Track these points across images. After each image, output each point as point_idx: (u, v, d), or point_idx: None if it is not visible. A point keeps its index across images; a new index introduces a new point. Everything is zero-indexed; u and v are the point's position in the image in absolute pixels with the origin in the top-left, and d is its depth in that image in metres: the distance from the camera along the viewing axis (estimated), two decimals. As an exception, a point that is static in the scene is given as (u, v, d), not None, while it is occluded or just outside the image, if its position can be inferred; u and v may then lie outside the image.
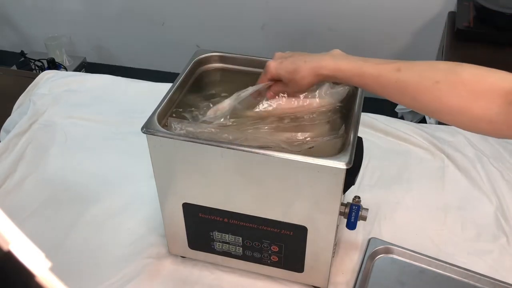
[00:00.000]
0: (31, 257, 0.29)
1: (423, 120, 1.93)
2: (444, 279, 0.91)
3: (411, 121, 1.82)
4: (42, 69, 2.25)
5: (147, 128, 0.74)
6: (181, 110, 0.82)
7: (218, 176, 0.77)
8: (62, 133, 1.24)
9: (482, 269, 0.91)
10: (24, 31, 2.69)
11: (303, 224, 0.78)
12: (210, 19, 2.35)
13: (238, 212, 0.80)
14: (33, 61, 2.28)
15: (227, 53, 0.92)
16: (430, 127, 1.29)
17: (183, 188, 0.81)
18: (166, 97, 0.81)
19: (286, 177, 0.73)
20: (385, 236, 0.98)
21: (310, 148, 0.76)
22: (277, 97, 0.79)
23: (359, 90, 0.82)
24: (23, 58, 2.30)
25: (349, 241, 0.97)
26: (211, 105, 0.80)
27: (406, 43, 2.17)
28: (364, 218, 0.84)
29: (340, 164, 0.68)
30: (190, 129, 0.76)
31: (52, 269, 0.30)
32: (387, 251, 0.94)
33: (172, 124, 0.77)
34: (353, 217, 0.83)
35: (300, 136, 0.78)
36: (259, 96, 0.79)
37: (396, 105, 1.90)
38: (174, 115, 0.81)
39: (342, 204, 0.79)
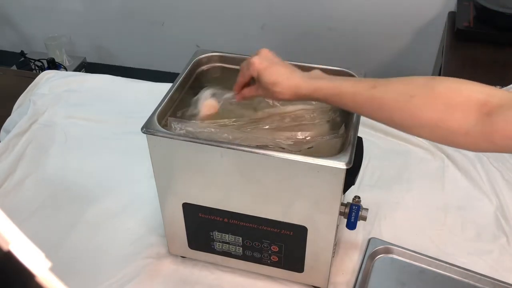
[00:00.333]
0: (31, 257, 0.29)
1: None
2: (444, 279, 0.91)
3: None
4: (42, 69, 2.25)
5: (147, 128, 0.74)
6: (179, 110, 0.83)
7: (218, 176, 0.77)
8: (62, 133, 1.24)
9: (482, 269, 0.91)
10: (24, 31, 2.69)
11: (303, 224, 0.78)
12: (210, 19, 2.35)
13: (238, 212, 0.80)
14: (33, 61, 2.28)
15: (227, 53, 0.92)
16: (430, 127, 1.29)
17: (183, 188, 0.81)
18: (166, 97, 0.81)
19: (286, 177, 0.73)
20: (385, 236, 0.98)
21: (309, 148, 0.76)
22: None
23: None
24: (23, 58, 2.30)
25: (349, 241, 0.97)
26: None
27: (406, 43, 2.17)
28: (364, 218, 0.84)
29: (340, 164, 0.68)
30: (190, 129, 0.76)
31: (52, 269, 0.30)
32: (387, 251, 0.94)
33: (172, 124, 0.77)
34: (353, 217, 0.83)
35: (300, 135, 0.78)
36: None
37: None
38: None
39: (342, 204, 0.79)
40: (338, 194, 0.73)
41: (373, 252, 0.94)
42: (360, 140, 0.80)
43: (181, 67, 0.89)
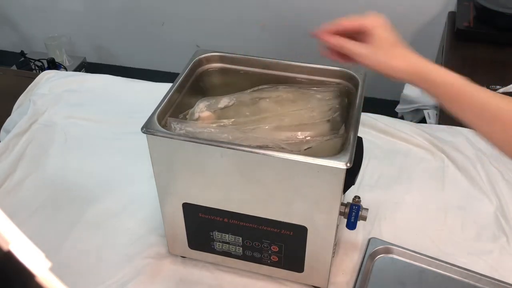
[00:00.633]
0: (31, 257, 0.29)
1: (423, 120, 1.92)
2: (444, 279, 0.91)
3: (411, 121, 1.82)
4: (42, 69, 2.25)
5: (147, 128, 0.74)
6: (178, 112, 0.83)
7: (218, 176, 0.77)
8: (62, 133, 1.24)
9: (482, 269, 0.91)
10: (24, 31, 2.69)
11: (303, 224, 0.78)
12: (210, 19, 2.35)
13: (238, 212, 0.80)
14: (33, 61, 2.28)
15: (227, 53, 0.92)
16: (430, 127, 1.29)
17: (183, 188, 0.81)
18: (166, 97, 0.81)
19: (286, 177, 0.73)
20: (385, 236, 0.98)
21: (309, 148, 0.76)
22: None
23: (359, 90, 0.82)
24: (23, 58, 2.30)
25: (349, 241, 0.97)
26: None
27: (406, 43, 2.17)
28: (364, 218, 0.84)
29: (340, 164, 0.68)
30: (190, 129, 0.77)
31: (52, 269, 0.30)
32: (387, 251, 0.94)
33: (172, 124, 0.77)
34: (353, 217, 0.82)
35: (300, 135, 0.78)
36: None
37: (396, 105, 1.90)
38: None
39: (342, 204, 0.79)
40: (338, 194, 0.73)
41: (373, 252, 0.94)
42: (360, 140, 0.80)
43: (181, 67, 0.89)
